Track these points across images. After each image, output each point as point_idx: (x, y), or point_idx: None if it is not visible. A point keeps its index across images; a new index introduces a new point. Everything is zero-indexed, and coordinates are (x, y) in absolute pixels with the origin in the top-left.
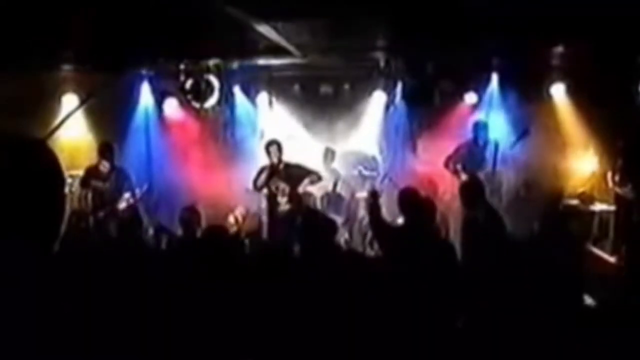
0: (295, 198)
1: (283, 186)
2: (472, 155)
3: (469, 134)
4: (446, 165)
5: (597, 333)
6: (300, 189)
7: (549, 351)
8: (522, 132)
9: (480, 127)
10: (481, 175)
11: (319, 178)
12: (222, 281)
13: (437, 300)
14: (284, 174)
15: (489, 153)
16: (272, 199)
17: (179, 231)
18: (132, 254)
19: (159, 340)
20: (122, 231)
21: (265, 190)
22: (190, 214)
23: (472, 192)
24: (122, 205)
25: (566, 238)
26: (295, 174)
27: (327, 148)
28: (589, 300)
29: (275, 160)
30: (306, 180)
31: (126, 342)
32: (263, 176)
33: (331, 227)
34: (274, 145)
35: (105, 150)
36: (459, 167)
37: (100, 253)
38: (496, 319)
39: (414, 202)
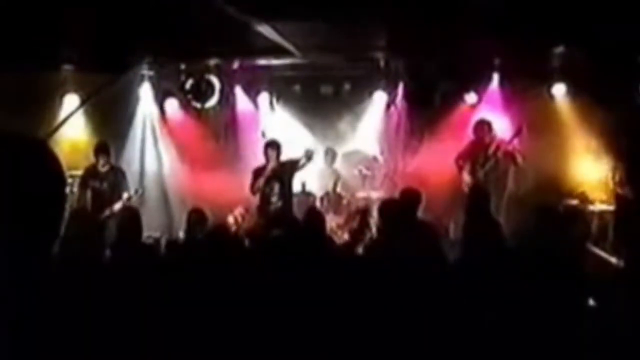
0: (287, 195)
1: (277, 186)
2: (473, 155)
3: (469, 134)
4: (457, 162)
5: (597, 333)
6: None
7: (549, 351)
8: (516, 130)
9: (481, 127)
10: (481, 174)
11: (309, 157)
12: (223, 283)
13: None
14: (278, 173)
15: (489, 152)
16: (264, 200)
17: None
18: (131, 256)
19: (158, 340)
20: (120, 233)
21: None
22: (198, 217)
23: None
24: (119, 205)
25: (566, 238)
26: (287, 169)
27: (329, 148)
28: (589, 301)
29: (273, 162)
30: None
31: (126, 342)
32: (261, 180)
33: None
34: (273, 147)
35: (101, 150)
36: (467, 166)
37: (100, 255)
38: (496, 320)
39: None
